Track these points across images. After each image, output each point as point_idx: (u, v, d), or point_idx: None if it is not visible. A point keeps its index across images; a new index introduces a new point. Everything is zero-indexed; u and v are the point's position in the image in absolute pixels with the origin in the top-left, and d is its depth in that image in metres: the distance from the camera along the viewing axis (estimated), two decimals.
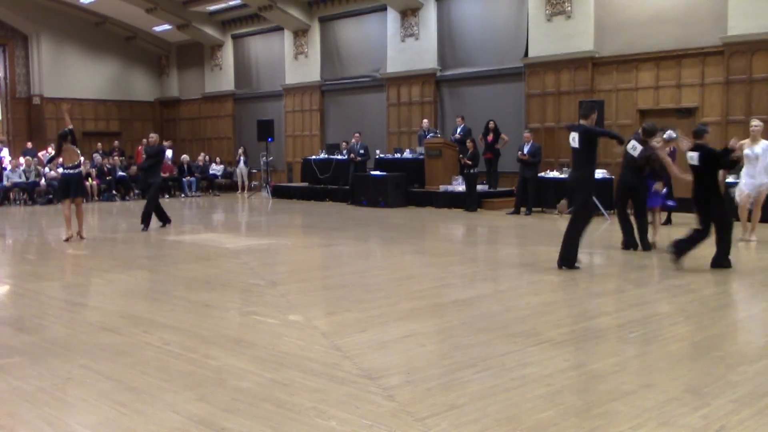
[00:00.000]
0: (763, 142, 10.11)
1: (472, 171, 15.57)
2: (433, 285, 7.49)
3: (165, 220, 13.22)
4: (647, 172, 9.56)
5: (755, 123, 10.33)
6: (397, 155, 18.39)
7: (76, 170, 11.50)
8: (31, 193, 19.82)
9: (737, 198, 10.35)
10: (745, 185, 10.24)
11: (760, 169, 10.07)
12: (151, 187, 12.92)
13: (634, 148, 9.49)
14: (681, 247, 8.10)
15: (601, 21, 15.82)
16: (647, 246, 9.56)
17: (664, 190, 10.06)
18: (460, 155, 16.30)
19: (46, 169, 19.70)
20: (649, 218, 9.81)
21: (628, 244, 9.65)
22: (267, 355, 4.94)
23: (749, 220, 10.42)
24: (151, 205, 12.84)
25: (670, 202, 10.75)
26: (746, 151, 9.99)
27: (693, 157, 8.09)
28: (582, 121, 8.22)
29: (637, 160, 9.40)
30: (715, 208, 7.96)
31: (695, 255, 9.29)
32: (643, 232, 9.58)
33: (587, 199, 8.30)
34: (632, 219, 9.70)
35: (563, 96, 16.41)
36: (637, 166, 9.44)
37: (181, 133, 27.69)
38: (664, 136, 9.66)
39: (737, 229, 9.29)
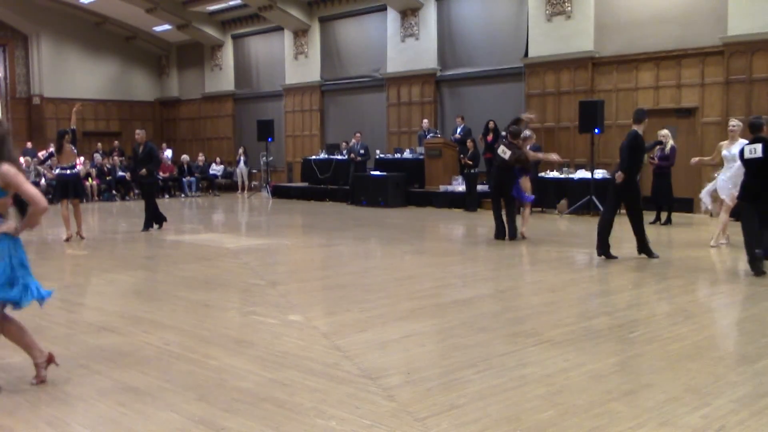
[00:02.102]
0: (741, 142, 9.72)
1: (472, 171, 15.56)
2: (433, 285, 7.49)
3: (159, 220, 12.89)
4: (517, 169, 10.82)
5: (733, 123, 9.90)
6: (397, 155, 18.40)
7: (73, 171, 11.46)
8: None
9: (727, 200, 9.70)
10: (723, 188, 9.71)
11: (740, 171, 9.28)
12: (142, 187, 12.75)
13: (504, 152, 10.68)
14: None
15: (601, 21, 15.81)
16: (513, 234, 10.89)
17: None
18: (460, 155, 16.30)
19: (39, 168, 19.64)
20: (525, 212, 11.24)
21: (500, 234, 10.93)
22: (267, 355, 4.94)
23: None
24: (150, 205, 12.71)
25: (529, 197, 11.28)
26: (724, 152, 9.69)
27: (755, 149, 7.73)
28: (635, 126, 8.94)
29: (507, 161, 10.66)
30: None
31: (693, 255, 9.29)
32: (512, 221, 10.93)
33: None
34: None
35: (563, 96, 16.40)
36: (507, 165, 10.73)
37: (181, 133, 27.68)
38: (522, 135, 10.99)
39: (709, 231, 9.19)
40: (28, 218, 4.17)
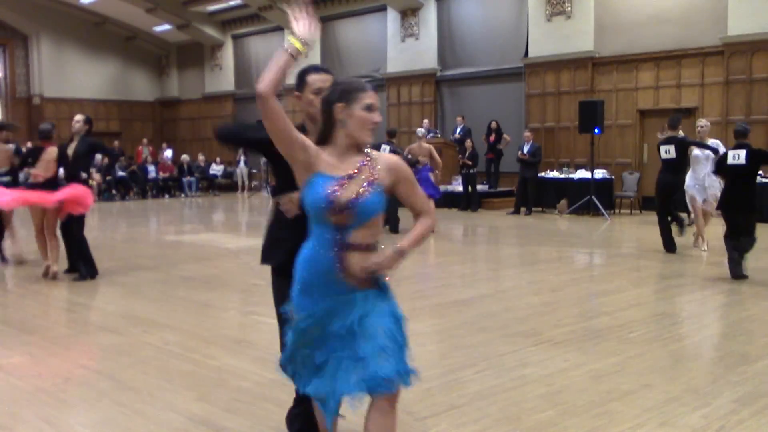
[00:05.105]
0: (712, 142, 9.51)
1: (470, 171, 15.56)
2: (433, 285, 7.49)
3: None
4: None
5: (702, 123, 9.59)
6: None
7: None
8: None
9: (698, 201, 9.34)
10: (695, 189, 9.31)
11: (710, 172, 8.99)
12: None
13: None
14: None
15: (601, 21, 15.81)
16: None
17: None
18: (459, 155, 16.31)
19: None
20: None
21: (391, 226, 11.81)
22: (267, 355, 4.93)
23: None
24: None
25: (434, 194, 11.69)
26: (696, 153, 9.25)
27: (738, 155, 7.45)
28: (671, 132, 9.40)
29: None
30: (755, 214, 7.57)
31: (692, 255, 9.29)
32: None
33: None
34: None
35: (563, 96, 16.40)
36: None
37: (181, 133, 27.67)
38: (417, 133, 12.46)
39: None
40: (420, 235, 2.83)
